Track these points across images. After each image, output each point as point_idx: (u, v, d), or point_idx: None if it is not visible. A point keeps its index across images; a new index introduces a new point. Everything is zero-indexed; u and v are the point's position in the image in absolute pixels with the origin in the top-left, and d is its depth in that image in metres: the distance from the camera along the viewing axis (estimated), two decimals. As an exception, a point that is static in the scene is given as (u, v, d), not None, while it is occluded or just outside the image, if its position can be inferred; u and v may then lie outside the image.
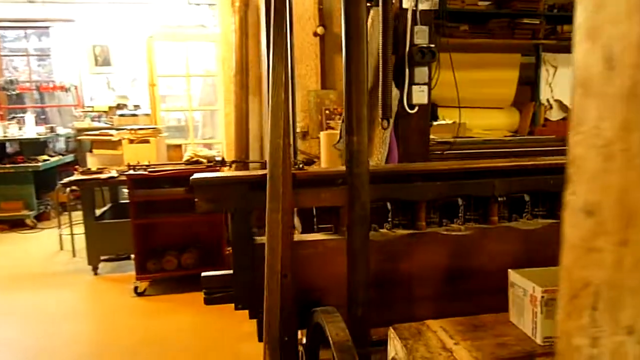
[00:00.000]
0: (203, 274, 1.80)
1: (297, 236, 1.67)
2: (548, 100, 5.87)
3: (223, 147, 6.25)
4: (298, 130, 6.18)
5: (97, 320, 4.21)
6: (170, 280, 4.80)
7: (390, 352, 1.03)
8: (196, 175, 1.69)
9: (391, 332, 1.03)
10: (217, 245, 4.70)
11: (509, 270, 1.15)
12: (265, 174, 1.68)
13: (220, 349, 3.55)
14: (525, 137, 5.39)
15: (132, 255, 4.90)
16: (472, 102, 5.12)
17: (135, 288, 4.56)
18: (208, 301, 1.79)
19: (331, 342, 1.16)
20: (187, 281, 4.73)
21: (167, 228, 4.84)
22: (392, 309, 1.80)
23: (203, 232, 4.82)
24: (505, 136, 5.35)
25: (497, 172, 1.85)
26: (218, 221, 4.65)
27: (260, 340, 1.74)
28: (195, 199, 1.69)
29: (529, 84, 5.87)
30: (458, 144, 4.07)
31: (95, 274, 5.15)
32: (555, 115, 5.90)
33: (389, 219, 1.86)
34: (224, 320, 3.98)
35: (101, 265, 5.26)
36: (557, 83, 5.81)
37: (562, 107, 5.93)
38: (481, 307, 1.93)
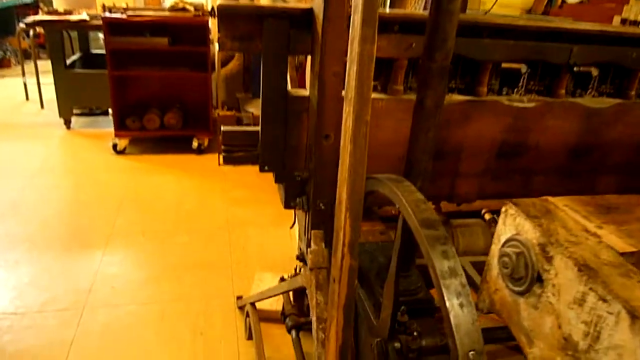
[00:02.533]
0: (224, 127, 1.52)
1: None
2: (570, -21, 5.35)
3: (208, -1, 5.56)
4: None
5: (74, 175, 3.95)
6: (151, 141, 4.51)
7: (505, 231, 0.83)
8: (223, 2, 1.33)
9: (510, 208, 0.82)
10: (203, 106, 4.36)
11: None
12: (310, 9, 1.35)
13: (208, 212, 3.41)
14: (543, 16, 4.98)
15: (109, 111, 4.52)
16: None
17: (114, 145, 4.26)
18: (228, 160, 1.54)
19: (411, 214, 0.95)
20: (169, 142, 4.46)
21: (149, 83, 4.41)
22: (434, 183, 1.61)
23: (188, 92, 4.43)
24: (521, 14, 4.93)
25: (577, 37, 1.56)
26: (205, 81, 4.25)
27: (287, 207, 1.54)
28: (219, 35, 1.35)
29: (552, -43, 5.30)
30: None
31: (68, 128, 4.78)
32: (573, -4, 5.43)
33: (442, 82, 1.59)
34: (212, 185, 3.80)
35: (74, 119, 4.87)
36: (583, -42, 5.26)
37: (583, -12, 5.45)
38: (528, 188, 1.78)
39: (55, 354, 2.13)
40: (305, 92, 1.42)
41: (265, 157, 1.48)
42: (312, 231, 1.24)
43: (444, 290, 0.85)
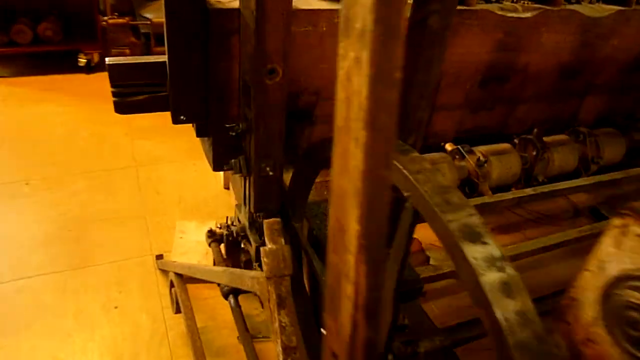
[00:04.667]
0: (109, 60, 1.02)
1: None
2: None
3: None
4: None
5: None
6: (25, 58, 3.68)
7: (621, 260, 0.49)
8: None
9: (635, 225, 0.47)
10: (87, 13, 3.55)
11: None
12: None
13: (108, 147, 2.84)
14: None
15: (-38, 21, 3.56)
16: None
17: (-24, 67, 3.40)
18: (120, 107, 1.06)
19: (442, 221, 0.59)
20: (49, 60, 3.65)
21: (11, -16, 3.48)
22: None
23: (66, -6, 3.57)
24: None
25: None
26: (86, -20, 3.42)
27: (217, 169, 1.12)
28: None
29: None
30: None
31: None
32: None
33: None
34: (110, 112, 3.15)
35: None
36: None
37: None
38: (510, 119, 1.48)
39: None
40: (235, 3, 0.95)
41: (178, 103, 1.02)
42: (266, 222, 0.85)
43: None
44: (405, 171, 0.66)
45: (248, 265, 1.92)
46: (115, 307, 1.88)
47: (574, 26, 1.32)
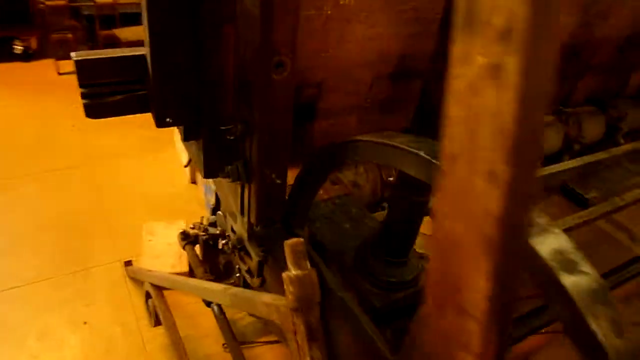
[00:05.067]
0: (76, 55, 0.85)
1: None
2: None
3: None
4: None
5: None
6: (-49, 46, 3.30)
7: None
8: None
9: None
10: (21, -6, 3.22)
11: None
12: None
13: (57, 144, 2.59)
14: None
15: None
16: None
17: None
18: (92, 111, 0.89)
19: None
20: (-20, 47, 3.30)
21: None
22: (392, 114, 1.15)
23: (-6, -27, 3.21)
24: None
25: None
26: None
27: (209, 176, 0.98)
28: None
29: None
30: None
31: None
32: None
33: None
34: (55, 104, 2.89)
35: None
36: None
37: None
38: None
39: None
40: (227, -15, 0.81)
41: (163, 103, 0.87)
42: (288, 244, 0.74)
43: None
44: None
45: (228, 268, 1.79)
46: (85, 323, 1.71)
47: (575, 5, 1.25)
